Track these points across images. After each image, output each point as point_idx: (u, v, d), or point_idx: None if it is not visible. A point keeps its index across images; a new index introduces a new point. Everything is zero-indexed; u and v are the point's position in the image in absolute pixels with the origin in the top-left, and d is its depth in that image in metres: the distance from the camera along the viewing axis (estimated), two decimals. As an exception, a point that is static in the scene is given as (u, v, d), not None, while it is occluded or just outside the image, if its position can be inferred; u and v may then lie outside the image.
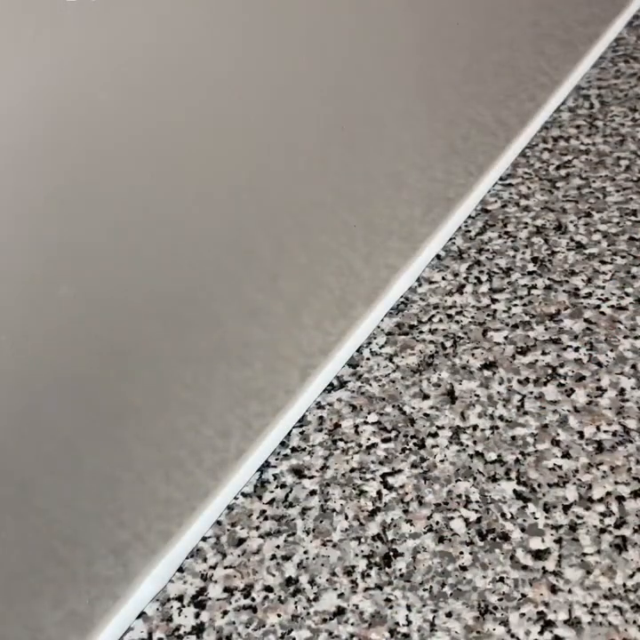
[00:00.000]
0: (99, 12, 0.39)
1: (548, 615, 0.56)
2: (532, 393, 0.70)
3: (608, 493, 0.62)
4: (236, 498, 0.64)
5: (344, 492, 0.65)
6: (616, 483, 0.63)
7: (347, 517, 0.63)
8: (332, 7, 0.55)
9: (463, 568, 0.59)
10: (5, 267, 0.40)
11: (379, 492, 0.65)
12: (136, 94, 0.43)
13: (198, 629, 0.58)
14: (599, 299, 0.78)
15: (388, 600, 0.58)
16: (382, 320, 0.79)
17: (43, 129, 0.38)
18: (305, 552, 0.61)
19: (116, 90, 0.42)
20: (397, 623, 0.57)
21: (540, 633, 0.55)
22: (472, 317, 0.78)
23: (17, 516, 0.45)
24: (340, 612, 0.58)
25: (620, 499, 0.62)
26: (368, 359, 0.75)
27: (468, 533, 0.61)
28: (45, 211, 0.40)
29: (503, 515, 0.62)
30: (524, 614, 0.56)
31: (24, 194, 0.39)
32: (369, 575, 0.60)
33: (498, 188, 0.90)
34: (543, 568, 0.58)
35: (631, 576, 0.57)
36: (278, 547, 0.62)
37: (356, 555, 0.61)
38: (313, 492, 0.65)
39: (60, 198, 0.41)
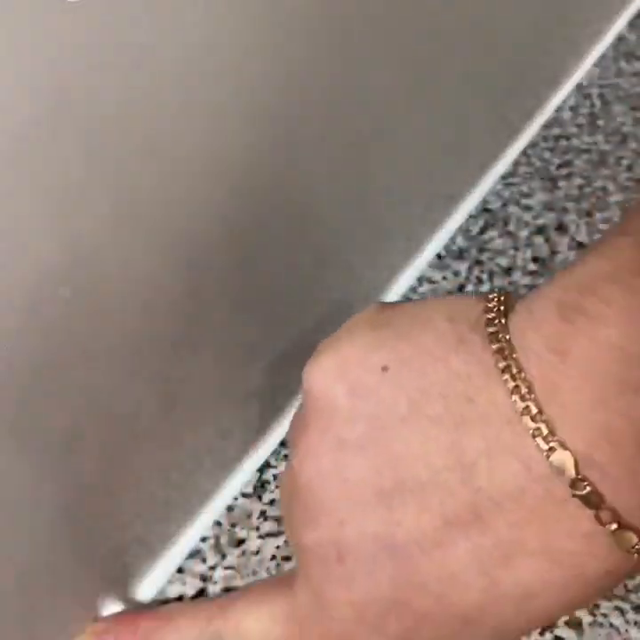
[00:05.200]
0: (99, 12, 0.39)
1: (549, 616, 0.56)
2: (533, 393, 0.70)
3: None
4: (235, 498, 0.64)
5: (344, 492, 0.65)
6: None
7: (347, 518, 0.63)
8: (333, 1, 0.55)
9: (464, 569, 0.59)
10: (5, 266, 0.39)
11: (379, 493, 0.64)
12: (137, 94, 0.43)
13: (198, 630, 0.58)
14: (600, 298, 0.77)
15: (388, 601, 0.58)
16: (383, 319, 0.78)
17: (42, 128, 0.38)
18: (305, 553, 0.61)
19: (117, 89, 0.41)
20: (397, 624, 0.57)
21: (541, 634, 0.54)
22: (473, 317, 0.77)
23: (11, 517, 0.45)
24: (339, 612, 0.58)
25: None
26: (368, 359, 0.75)
27: (469, 534, 0.61)
28: (44, 210, 0.40)
29: (504, 515, 0.61)
30: (524, 615, 0.56)
31: (23, 193, 0.39)
32: (369, 576, 0.59)
33: (499, 187, 0.90)
34: (544, 569, 0.58)
35: (632, 577, 0.57)
36: (278, 547, 0.61)
37: (356, 555, 0.61)
38: (313, 493, 0.65)
39: (59, 197, 0.41)
